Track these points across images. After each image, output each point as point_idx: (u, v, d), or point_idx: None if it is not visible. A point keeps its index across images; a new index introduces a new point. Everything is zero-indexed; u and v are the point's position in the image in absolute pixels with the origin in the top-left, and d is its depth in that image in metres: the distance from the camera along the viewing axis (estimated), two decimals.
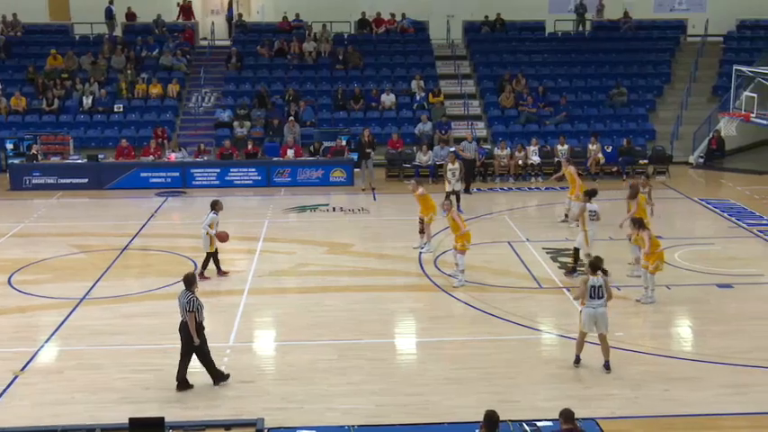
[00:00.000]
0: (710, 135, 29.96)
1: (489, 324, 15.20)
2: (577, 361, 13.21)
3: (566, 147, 28.12)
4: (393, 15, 35.94)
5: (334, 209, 24.00)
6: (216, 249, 17.63)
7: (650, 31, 36.63)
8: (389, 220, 21.97)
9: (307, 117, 30.46)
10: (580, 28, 36.79)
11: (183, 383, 12.63)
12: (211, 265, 17.72)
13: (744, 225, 21.82)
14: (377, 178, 26.89)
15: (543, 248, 19.54)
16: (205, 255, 17.68)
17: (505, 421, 9.96)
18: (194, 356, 12.66)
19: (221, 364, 13.41)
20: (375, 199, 25.19)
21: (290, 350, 14.07)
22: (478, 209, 23.36)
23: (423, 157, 27.80)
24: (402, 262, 18.86)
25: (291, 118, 29.47)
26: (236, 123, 29.98)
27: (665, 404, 12.06)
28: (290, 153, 27.66)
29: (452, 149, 27.92)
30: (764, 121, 19.29)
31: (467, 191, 25.57)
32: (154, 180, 26.88)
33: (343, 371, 13.08)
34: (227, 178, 27.03)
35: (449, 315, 15.74)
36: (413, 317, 15.93)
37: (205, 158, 27.66)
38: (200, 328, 12.56)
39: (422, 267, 18.42)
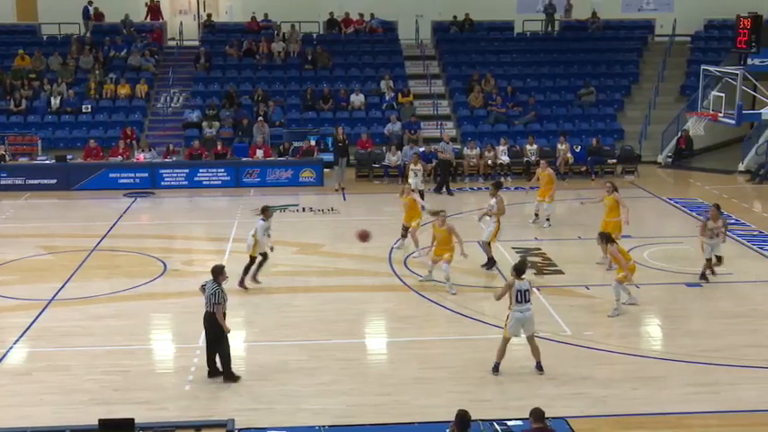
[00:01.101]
0: (679, 134, 30.22)
1: (459, 324, 15.22)
2: (496, 369, 12.98)
3: (534, 146, 28.28)
4: (362, 15, 35.89)
5: (303, 209, 23.92)
6: (255, 257, 17.04)
7: (618, 31, 36.88)
8: (359, 221, 21.88)
9: (276, 117, 30.34)
10: (548, 28, 36.93)
11: (213, 371, 12.81)
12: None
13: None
14: (346, 178, 26.83)
15: (513, 248, 19.59)
16: (248, 259, 17.15)
17: (476, 421, 9.96)
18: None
19: (191, 365, 13.33)
20: (345, 199, 25.14)
21: (260, 351, 14.00)
22: (448, 209, 23.27)
23: (392, 158, 27.79)
24: (372, 262, 18.83)
25: (260, 118, 29.34)
26: (204, 124, 29.78)
27: (634, 403, 12.12)
28: (260, 153, 27.54)
29: (421, 149, 27.98)
30: (732, 121, 19.45)
31: (448, 191, 25.55)
32: (122, 181, 26.61)
33: (313, 371, 13.02)
34: (196, 179, 26.84)
35: (419, 315, 15.73)
36: (383, 317, 15.91)
37: (174, 159, 27.46)
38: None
39: (392, 267, 18.40)
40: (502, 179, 27.40)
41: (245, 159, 27.52)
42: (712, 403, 12.09)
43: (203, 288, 12.85)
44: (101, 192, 25.97)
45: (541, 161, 22.49)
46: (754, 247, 19.98)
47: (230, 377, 12.78)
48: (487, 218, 18.53)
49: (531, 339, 12.95)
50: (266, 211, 17.25)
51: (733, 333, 14.71)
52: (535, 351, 12.97)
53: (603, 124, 31.29)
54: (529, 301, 12.76)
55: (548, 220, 21.33)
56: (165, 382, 12.86)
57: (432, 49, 35.82)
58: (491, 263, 17.98)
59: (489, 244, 18.13)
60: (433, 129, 31.13)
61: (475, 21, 35.96)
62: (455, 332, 14.84)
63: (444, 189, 25.85)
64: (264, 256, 17.09)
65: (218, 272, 12.82)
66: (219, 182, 26.88)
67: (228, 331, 12.73)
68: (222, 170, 27.02)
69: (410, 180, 22.37)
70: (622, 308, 15.57)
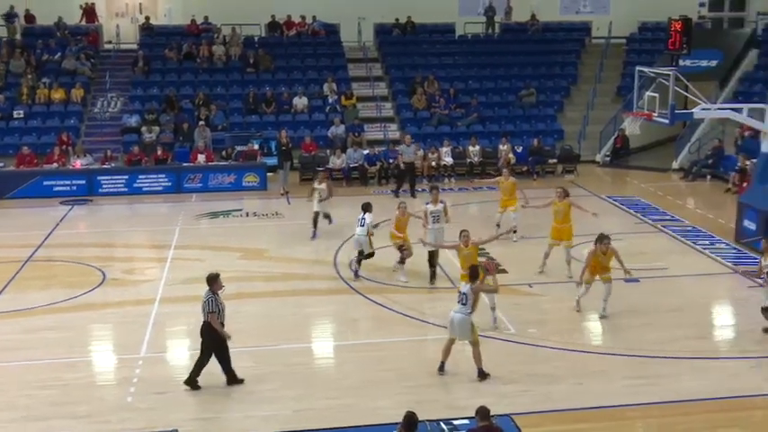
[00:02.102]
0: (616, 134, 30.82)
1: (406, 325, 15.31)
2: (441, 368, 13.04)
3: (477, 148, 28.57)
4: (303, 18, 35.84)
5: (247, 214, 23.80)
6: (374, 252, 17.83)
7: (557, 33, 37.43)
8: (304, 224, 21.85)
9: (218, 121, 30.14)
10: (489, 30, 37.34)
11: (231, 378, 12.76)
12: None
13: (649, 221, 22.51)
14: (290, 182, 26.77)
15: None
16: (364, 255, 17.76)
17: (423, 421, 10.04)
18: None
19: (133, 376, 13.19)
20: (289, 203, 25.09)
21: None
22: (393, 210, 23.37)
23: (336, 161, 27.81)
24: (317, 266, 18.84)
25: (202, 122, 29.12)
26: (144, 129, 29.45)
27: (578, 398, 12.35)
28: (201, 158, 27.33)
29: (365, 152, 28.05)
30: (666, 120, 19.88)
31: (412, 194, 25.41)
32: (58, 188, 26.15)
33: (260, 377, 12.99)
34: (136, 185, 26.53)
35: (365, 317, 15.80)
36: (330, 320, 15.93)
37: (112, 165, 27.09)
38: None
39: (337, 271, 18.43)
40: (446, 180, 27.71)
41: (186, 164, 27.27)
42: (653, 395, 12.37)
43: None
44: (35, 200, 25.40)
45: (504, 169, 21.78)
46: (689, 242, 20.49)
47: (192, 383, 12.65)
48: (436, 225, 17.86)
49: (472, 344, 12.94)
50: (369, 207, 18.04)
51: (671, 326, 15.06)
52: (476, 357, 12.91)
53: (544, 125, 31.73)
54: (464, 304, 12.77)
55: (515, 231, 20.30)
56: (107, 394, 12.69)
57: (374, 52, 35.94)
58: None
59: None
60: (377, 131, 31.24)
61: (417, 23, 36.18)
62: (401, 334, 14.92)
63: (401, 192, 25.59)
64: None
65: (213, 280, 12.65)
66: (160, 188, 26.60)
67: (229, 338, 12.60)
68: (163, 176, 26.74)
69: (314, 203, 20.77)
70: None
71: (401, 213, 17.76)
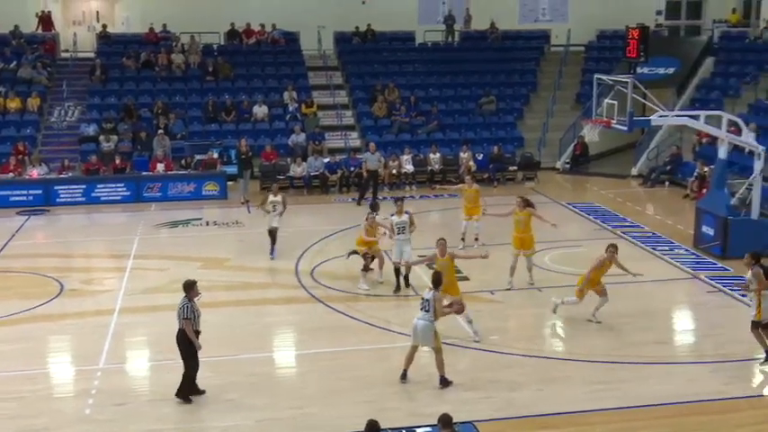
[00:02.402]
0: (575, 141, 31.12)
1: (368, 333, 15.30)
2: (404, 376, 13.04)
3: (438, 155, 28.68)
4: (263, 26, 35.73)
5: (207, 223, 23.64)
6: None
7: (516, 41, 37.75)
8: (265, 233, 21.75)
9: (177, 130, 29.93)
10: (449, 38, 37.52)
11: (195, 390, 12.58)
12: None
13: (608, 227, 22.73)
14: (251, 191, 26.65)
15: (419, 256, 19.71)
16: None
17: (385, 429, 10.02)
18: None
19: (92, 387, 13.02)
20: (250, 212, 24.95)
21: (165, 369, 13.67)
22: (355, 218, 23.39)
23: (297, 169, 27.74)
24: (279, 275, 18.77)
25: (161, 131, 28.90)
26: (102, 137, 29.14)
27: (540, 404, 12.41)
28: (161, 167, 27.12)
29: (326, 160, 28.01)
30: (624, 127, 20.09)
31: (373, 200, 25.33)
32: (14, 198, 25.77)
33: (221, 388, 12.88)
34: (94, 194, 26.23)
35: (327, 326, 15.74)
36: (291, 329, 15.87)
37: (70, 175, 26.76)
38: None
39: (299, 279, 18.37)
40: (407, 187, 27.76)
41: (145, 173, 27.04)
42: (615, 400, 12.48)
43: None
44: None
45: (467, 177, 21.65)
46: (648, 248, 20.72)
47: (184, 397, 12.51)
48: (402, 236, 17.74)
49: (435, 351, 12.93)
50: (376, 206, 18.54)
51: (632, 332, 15.22)
52: (439, 365, 12.92)
53: (504, 132, 31.93)
54: (427, 311, 12.76)
55: (476, 239, 20.45)
56: (65, 406, 12.51)
57: (335, 60, 35.94)
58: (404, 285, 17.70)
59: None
60: (338, 139, 31.23)
61: (377, 31, 36.25)
62: (363, 342, 14.90)
63: (363, 200, 25.57)
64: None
65: (189, 287, 12.53)
66: (119, 197, 26.33)
67: (199, 348, 12.44)
68: (121, 185, 26.49)
69: (267, 218, 19.92)
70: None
71: (369, 223, 17.76)
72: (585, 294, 15.54)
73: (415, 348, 13.04)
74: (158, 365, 14.01)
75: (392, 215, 17.94)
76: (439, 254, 15.03)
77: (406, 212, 17.92)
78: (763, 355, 13.63)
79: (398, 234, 17.54)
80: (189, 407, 12.38)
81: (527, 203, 17.85)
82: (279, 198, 19.87)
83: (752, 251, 13.85)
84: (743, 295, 15.81)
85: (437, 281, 13.05)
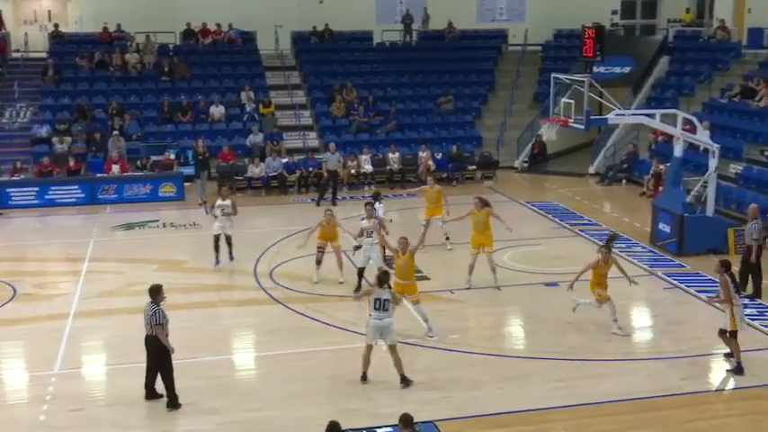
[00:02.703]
0: (533, 140, 31.38)
1: (327, 334, 15.28)
2: (364, 378, 13.10)
3: (397, 155, 28.71)
4: (219, 26, 35.52)
5: (164, 225, 23.44)
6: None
7: (474, 41, 37.94)
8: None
9: (132, 131, 29.64)
10: (407, 38, 37.58)
11: (151, 393, 12.42)
12: None
13: (567, 225, 22.96)
14: (208, 192, 26.46)
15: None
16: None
17: (346, 430, 10.02)
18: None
19: (46, 393, 12.84)
20: (207, 213, 24.73)
21: (122, 374, 13.60)
22: (314, 219, 23.31)
23: (255, 170, 27.61)
24: (237, 276, 18.67)
25: (116, 132, 28.60)
26: (55, 139, 28.76)
27: (499, 402, 12.49)
28: (116, 169, 26.84)
29: (284, 160, 27.92)
30: (581, 126, 20.31)
31: (333, 201, 25.35)
32: None
33: (179, 391, 12.72)
34: (48, 197, 25.88)
35: (286, 327, 15.69)
36: (250, 331, 15.78)
37: (22, 177, 26.37)
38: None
39: (258, 281, 18.29)
40: (365, 188, 27.73)
41: (100, 175, 26.74)
42: (573, 398, 12.60)
43: (144, 312, 12.32)
44: None
45: (429, 178, 21.61)
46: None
47: (174, 403, 12.36)
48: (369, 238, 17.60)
49: (392, 350, 12.96)
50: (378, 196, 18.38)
51: (588, 329, 15.36)
52: (397, 363, 12.96)
53: (463, 131, 32.07)
54: (387, 310, 12.82)
55: (447, 239, 20.50)
56: (18, 413, 12.33)
57: (292, 60, 35.83)
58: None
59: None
60: (296, 139, 31.15)
61: (335, 31, 36.20)
62: (323, 343, 14.88)
63: (324, 200, 25.56)
64: None
65: (156, 291, 12.39)
66: (73, 199, 26.02)
67: (173, 351, 12.31)
68: (76, 187, 26.17)
69: (215, 224, 19.32)
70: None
71: (327, 221, 17.75)
72: (601, 298, 15.15)
73: (370, 348, 13.03)
74: (115, 370, 13.86)
75: (362, 219, 17.83)
76: (400, 252, 14.95)
77: (376, 218, 17.82)
78: (732, 361, 13.57)
79: (367, 238, 17.41)
80: (147, 411, 12.27)
81: (484, 204, 17.83)
82: (228, 202, 19.21)
83: (722, 259, 13.85)
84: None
85: (382, 279, 13.01)
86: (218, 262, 19.16)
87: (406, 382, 12.97)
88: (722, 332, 13.57)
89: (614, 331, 15.10)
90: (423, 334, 14.93)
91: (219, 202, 19.29)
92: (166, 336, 12.27)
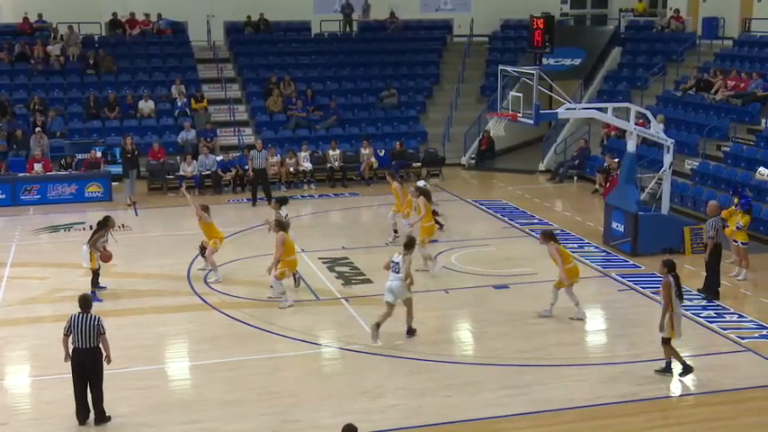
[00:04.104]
0: (480, 136, 31.59)
1: (267, 341, 15.25)
2: (409, 332, 15.22)
3: (338, 152, 28.71)
4: (148, 16, 35.16)
5: (91, 227, 22.86)
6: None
7: (417, 32, 38.13)
8: (154, 237, 21.49)
9: (56, 127, 29.21)
10: (347, 29, 37.62)
11: (86, 413, 12.15)
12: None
13: (516, 225, 23.17)
14: (137, 192, 26.20)
15: (319, 258, 19.83)
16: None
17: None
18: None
19: None
20: (137, 214, 24.54)
21: (48, 385, 13.42)
22: (249, 220, 23.28)
23: (187, 168, 27.39)
24: (170, 281, 18.52)
25: (38, 129, 28.15)
26: None
27: (448, 411, 12.58)
28: (38, 168, 26.43)
29: (219, 158, 27.74)
30: (530, 121, 20.46)
31: (268, 199, 25.18)
32: None
33: (108, 403, 12.59)
34: None
35: (223, 334, 15.61)
36: (184, 339, 15.67)
37: None
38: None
39: (191, 286, 18.17)
40: (305, 186, 27.71)
41: (21, 175, 26.31)
42: (524, 405, 12.74)
43: (75, 324, 12.03)
44: None
45: (387, 175, 22.06)
46: None
47: (104, 417, 12.19)
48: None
49: (406, 304, 15.00)
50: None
51: (540, 333, 15.56)
52: (408, 316, 15.09)
53: (407, 127, 32.21)
54: (398, 272, 14.74)
55: (394, 232, 21.16)
56: None
57: (226, 52, 35.63)
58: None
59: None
60: (231, 135, 30.99)
61: (271, 21, 36.08)
62: (263, 350, 14.84)
63: (260, 200, 25.42)
64: None
65: (89, 304, 12.26)
66: None
67: (110, 363, 12.21)
68: None
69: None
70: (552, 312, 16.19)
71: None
72: (573, 272, 16.20)
73: (391, 306, 14.83)
74: (40, 381, 13.69)
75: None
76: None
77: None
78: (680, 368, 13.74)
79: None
80: (74, 426, 12.10)
81: (420, 192, 19.03)
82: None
83: (665, 259, 14.01)
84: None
85: (410, 244, 15.05)
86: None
87: (411, 332, 15.19)
88: (665, 341, 13.63)
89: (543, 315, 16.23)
90: (368, 341, 14.98)
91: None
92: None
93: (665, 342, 13.55)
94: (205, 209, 18.46)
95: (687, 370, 13.57)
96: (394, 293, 14.86)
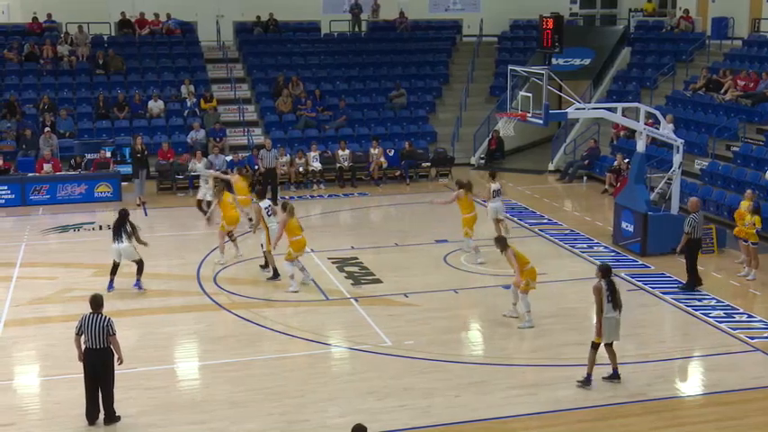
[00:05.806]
0: (490, 135, 31.54)
1: (275, 341, 15.25)
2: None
3: (347, 152, 28.71)
4: (157, 16, 35.24)
5: (100, 227, 23.17)
6: None
7: (426, 32, 38.09)
8: (163, 237, 21.51)
9: (65, 127, 29.29)
10: (356, 28, 37.64)
11: (95, 414, 12.15)
12: None
13: (526, 225, 23.15)
14: (147, 192, 26.24)
15: (328, 258, 19.83)
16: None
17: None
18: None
19: None
20: (146, 214, 24.58)
21: (56, 385, 13.46)
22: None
23: (197, 164, 27.35)
24: (179, 281, 18.55)
25: (48, 129, 28.23)
26: None
27: (456, 411, 12.56)
28: (48, 168, 26.49)
29: (228, 158, 27.78)
30: (540, 121, 20.43)
31: (274, 200, 25.27)
32: None
33: (118, 403, 12.62)
34: None
35: (232, 334, 15.64)
36: (193, 339, 15.69)
37: None
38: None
39: (201, 286, 18.19)
40: (314, 186, 27.72)
41: (31, 175, 26.37)
42: (532, 405, 12.71)
43: (86, 325, 12.01)
44: None
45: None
46: (567, 245, 21.18)
47: (113, 418, 12.21)
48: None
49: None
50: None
51: (549, 333, 15.53)
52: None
53: (416, 127, 32.19)
54: None
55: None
56: None
57: (235, 52, 35.68)
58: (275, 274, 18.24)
59: (270, 252, 18.30)
60: (240, 135, 31.03)
61: (280, 21, 36.11)
62: (271, 350, 14.85)
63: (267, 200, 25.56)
64: None
65: (101, 301, 12.26)
66: (3, 201, 25.63)
67: (121, 363, 12.26)
68: (5, 188, 25.77)
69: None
70: (531, 319, 15.76)
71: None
72: (531, 274, 15.94)
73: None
74: (49, 381, 13.71)
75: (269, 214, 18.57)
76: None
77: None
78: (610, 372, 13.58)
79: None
80: (83, 426, 12.13)
81: (461, 185, 19.79)
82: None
83: (601, 263, 13.89)
84: None
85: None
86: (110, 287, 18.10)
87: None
88: (607, 345, 13.40)
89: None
90: (377, 341, 14.98)
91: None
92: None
93: (593, 346, 13.31)
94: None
95: (587, 381, 13.26)
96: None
